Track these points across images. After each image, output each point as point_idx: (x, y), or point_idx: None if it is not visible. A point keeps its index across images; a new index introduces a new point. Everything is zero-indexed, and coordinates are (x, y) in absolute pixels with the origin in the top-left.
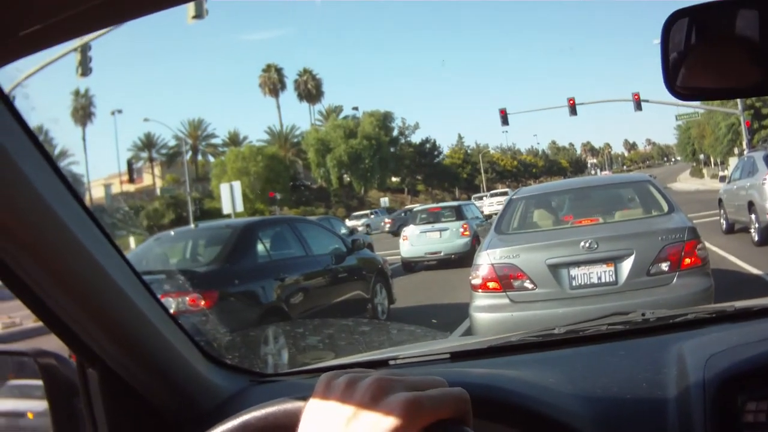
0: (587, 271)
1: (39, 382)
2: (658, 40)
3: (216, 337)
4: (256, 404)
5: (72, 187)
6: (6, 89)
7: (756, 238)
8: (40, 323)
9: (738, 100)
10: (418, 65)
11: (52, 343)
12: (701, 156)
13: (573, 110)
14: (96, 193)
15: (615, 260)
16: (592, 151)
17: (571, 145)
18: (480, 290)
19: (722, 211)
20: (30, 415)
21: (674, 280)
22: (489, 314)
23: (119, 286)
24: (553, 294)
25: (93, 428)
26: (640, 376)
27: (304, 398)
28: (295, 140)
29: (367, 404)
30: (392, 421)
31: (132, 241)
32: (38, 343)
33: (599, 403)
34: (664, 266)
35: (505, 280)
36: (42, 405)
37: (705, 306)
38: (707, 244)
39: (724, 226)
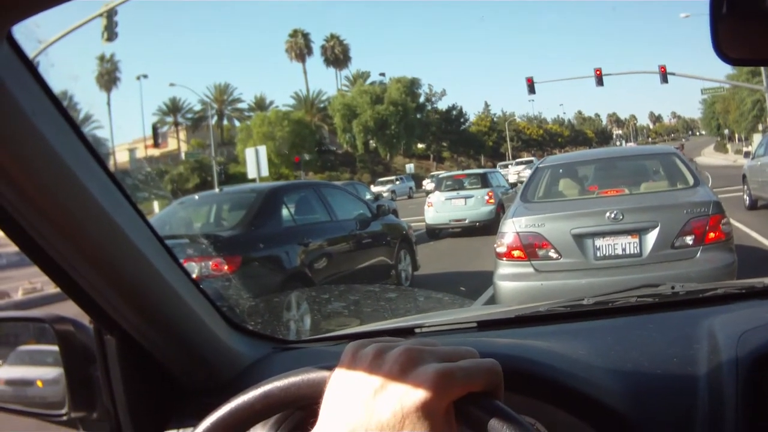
0: (612, 242)
1: (50, 348)
2: (685, 14)
3: (239, 302)
4: (279, 372)
5: (94, 150)
6: (30, 51)
7: None
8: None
9: (764, 77)
10: (447, 33)
11: (72, 309)
12: (726, 131)
13: (600, 81)
14: (120, 157)
15: (640, 232)
16: (618, 122)
17: (597, 115)
18: (504, 258)
19: (746, 186)
20: (39, 384)
21: (698, 254)
22: (513, 282)
23: (140, 250)
24: (577, 264)
25: (110, 396)
26: (670, 351)
27: (329, 368)
28: (322, 105)
29: (396, 375)
30: (422, 394)
31: (156, 204)
32: (59, 309)
33: (630, 378)
34: (689, 240)
35: (530, 248)
36: (52, 372)
37: (734, 281)
38: (730, 220)
39: (747, 201)
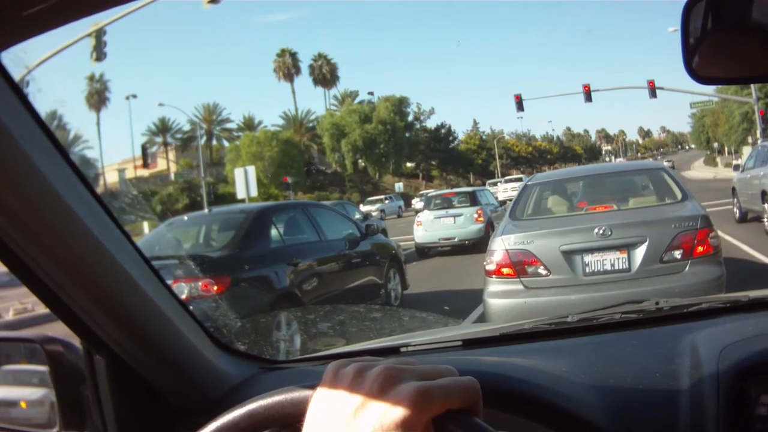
0: (601, 258)
1: (35, 368)
2: (673, 29)
3: (227, 323)
4: (265, 391)
5: (82, 174)
6: (17, 76)
7: None
8: None
9: (753, 90)
10: (434, 51)
11: (62, 329)
12: (715, 144)
13: (588, 97)
14: (110, 177)
15: (628, 247)
16: (607, 137)
17: (586, 131)
18: (494, 276)
19: (735, 199)
20: (23, 405)
21: (686, 267)
22: (503, 300)
23: (127, 272)
24: (566, 280)
25: (100, 415)
26: (653, 366)
27: (312, 387)
28: (310, 125)
29: (375, 394)
30: (401, 411)
31: (145, 225)
32: (49, 329)
33: (612, 393)
34: (677, 254)
35: (519, 266)
36: (37, 393)
37: (719, 296)
38: (720, 233)
39: (737, 214)
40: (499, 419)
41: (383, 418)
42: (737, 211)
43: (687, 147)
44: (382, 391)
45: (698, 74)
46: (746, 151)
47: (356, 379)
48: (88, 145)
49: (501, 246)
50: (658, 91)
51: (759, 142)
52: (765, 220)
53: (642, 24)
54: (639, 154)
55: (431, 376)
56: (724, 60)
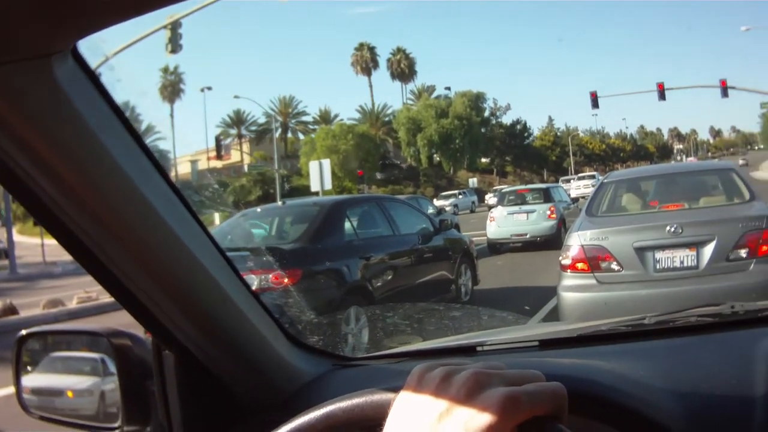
0: (671, 255)
1: (87, 355)
2: (746, 28)
3: (299, 316)
4: (338, 389)
5: (158, 163)
6: (94, 64)
7: None
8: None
9: None
10: (512, 47)
11: (126, 318)
12: None
13: (662, 95)
14: (182, 168)
15: (698, 245)
16: (679, 136)
17: (659, 130)
18: (569, 270)
19: None
20: (69, 394)
21: (752, 266)
22: (577, 294)
23: (201, 263)
24: (638, 276)
25: (165, 411)
26: (729, 372)
27: (394, 389)
28: (386, 119)
29: (462, 399)
30: (487, 418)
31: (217, 216)
32: (112, 318)
33: (689, 399)
34: (743, 252)
35: (593, 261)
36: (86, 381)
37: None
38: None
39: None
40: (580, 424)
41: (468, 424)
42: None
43: (757, 147)
44: (470, 396)
45: None
46: None
47: (443, 384)
48: (161, 136)
49: (577, 241)
50: (729, 91)
51: None
52: None
53: (715, 23)
54: (710, 154)
55: (520, 381)
56: None
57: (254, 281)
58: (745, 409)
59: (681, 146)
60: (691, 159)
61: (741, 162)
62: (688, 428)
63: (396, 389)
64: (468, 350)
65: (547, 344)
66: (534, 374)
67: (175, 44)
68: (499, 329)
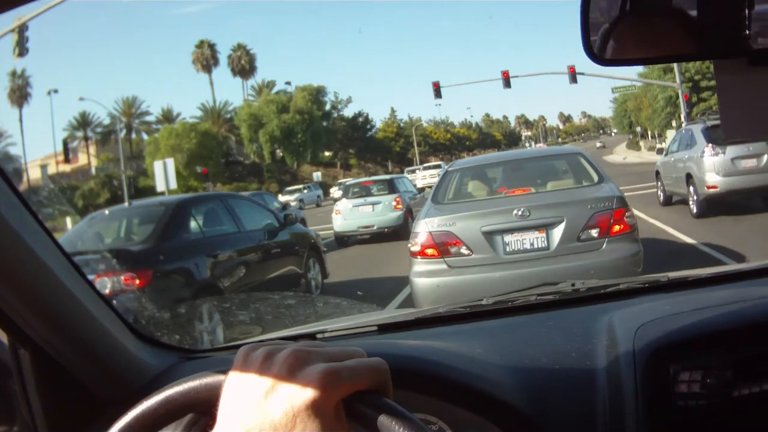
0: (520, 238)
1: None
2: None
3: (150, 315)
4: None
5: (1, 169)
6: None
7: (694, 210)
8: None
9: (676, 74)
10: (351, 40)
11: None
12: (638, 128)
13: (507, 83)
14: (33, 173)
15: (546, 227)
16: (527, 123)
17: (505, 117)
18: (419, 257)
19: (659, 183)
20: None
21: (604, 245)
22: (428, 279)
23: (47, 266)
24: (488, 259)
25: (28, 409)
26: (569, 347)
27: (226, 372)
28: (228, 116)
29: (284, 376)
30: (310, 393)
31: (68, 221)
32: None
33: (528, 374)
34: (594, 233)
35: (442, 246)
36: None
37: (637, 276)
38: (644, 216)
39: (662, 198)
40: (415, 401)
41: (294, 399)
42: (662, 195)
43: (609, 131)
44: (291, 373)
45: (607, 59)
46: (670, 134)
47: (265, 362)
48: (10, 141)
49: (425, 228)
50: (578, 77)
51: (683, 125)
52: (690, 203)
53: (559, 10)
54: (560, 139)
55: (340, 357)
56: (640, 43)
57: (107, 284)
58: (588, 380)
59: (529, 133)
60: (540, 145)
61: (598, 145)
62: (526, 400)
63: (227, 371)
64: (308, 338)
65: (386, 328)
66: (354, 351)
67: (22, 47)
68: (342, 317)
